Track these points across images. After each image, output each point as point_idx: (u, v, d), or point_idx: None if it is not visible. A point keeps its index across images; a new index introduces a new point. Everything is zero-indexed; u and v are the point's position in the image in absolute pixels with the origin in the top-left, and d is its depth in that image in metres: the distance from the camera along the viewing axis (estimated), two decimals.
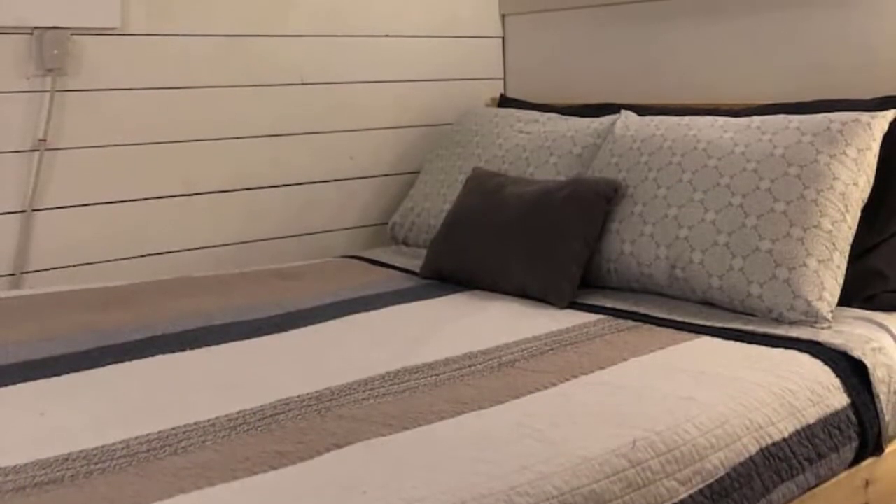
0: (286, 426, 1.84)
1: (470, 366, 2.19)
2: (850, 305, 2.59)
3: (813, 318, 2.42)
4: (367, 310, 2.71)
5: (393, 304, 2.79)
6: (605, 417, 1.88)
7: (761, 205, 2.57)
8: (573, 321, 2.57)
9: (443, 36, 4.10)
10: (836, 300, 2.48)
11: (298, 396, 2.00)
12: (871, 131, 2.67)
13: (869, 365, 2.24)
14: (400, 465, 1.65)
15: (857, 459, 2.25)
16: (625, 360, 2.23)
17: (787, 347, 2.28)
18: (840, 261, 2.50)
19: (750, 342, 2.34)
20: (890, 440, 2.32)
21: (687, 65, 3.62)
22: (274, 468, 1.65)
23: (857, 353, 2.26)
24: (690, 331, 2.44)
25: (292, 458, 1.69)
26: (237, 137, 3.55)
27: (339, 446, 1.74)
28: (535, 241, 2.84)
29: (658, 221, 2.74)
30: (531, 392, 2.03)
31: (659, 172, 2.84)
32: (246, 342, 2.42)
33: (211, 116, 3.49)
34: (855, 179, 2.59)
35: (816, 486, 2.13)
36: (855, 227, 2.57)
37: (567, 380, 2.10)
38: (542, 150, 3.37)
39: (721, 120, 2.94)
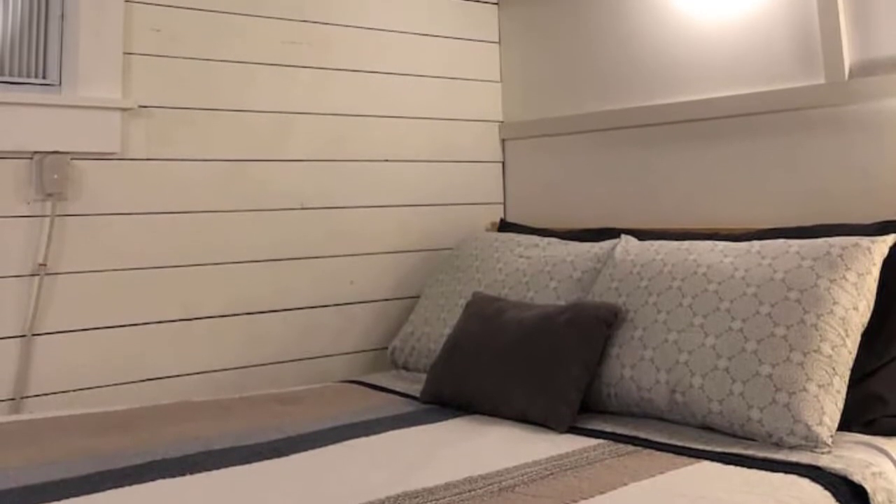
0: None
1: (470, 490, 2.24)
2: (850, 430, 2.64)
3: (813, 442, 2.47)
4: (366, 434, 2.76)
5: (393, 428, 2.84)
6: None
7: (761, 329, 2.65)
8: (573, 446, 2.62)
9: (443, 161, 4.24)
10: (836, 424, 2.52)
11: None
12: (871, 256, 2.75)
13: (869, 490, 2.29)
14: None
15: None
16: (625, 484, 2.28)
17: (787, 472, 2.33)
18: (840, 385, 2.56)
19: (750, 467, 2.38)
20: None
21: (686, 189, 3.72)
22: None
23: (857, 478, 2.31)
24: (690, 455, 2.49)
25: None
26: (237, 262, 3.66)
27: None
28: (536, 366, 2.91)
29: (658, 346, 2.82)
30: None
31: (659, 297, 2.94)
32: (246, 467, 2.46)
33: (211, 241, 3.59)
34: (855, 304, 2.67)
35: None
36: (855, 351, 2.64)
37: None
38: (542, 274, 3.47)
39: (721, 244, 3.03)
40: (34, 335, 3.21)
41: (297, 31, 3.85)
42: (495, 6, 4.52)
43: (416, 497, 2.20)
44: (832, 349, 2.58)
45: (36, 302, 3.20)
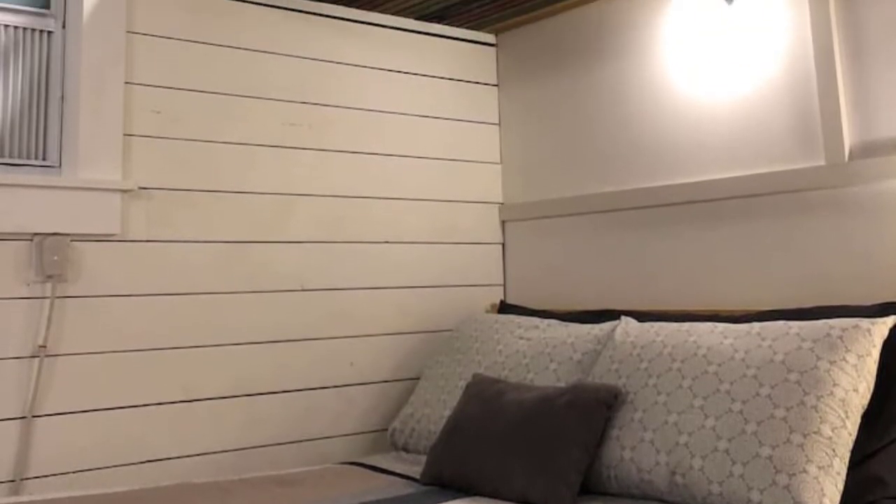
0: None
1: None
2: None
3: None
4: None
5: None
6: None
7: (761, 411, 2.68)
8: None
9: (443, 242, 4.31)
10: None
11: None
12: (871, 338, 2.79)
13: None
14: None
15: None
16: None
17: None
18: (840, 467, 2.59)
19: None
20: None
21: (686, 271, 3.77)
22: None
23: None
24: None
25: None
26: (237, 344, 3.70)
27: None
28: (536, 448, 2.94)
29: (658, 428, 2.86)
30: None
31: (659, 379, 2.98)
32: None
33: (211, 323, 3.65)
34: (855, 386, 2.70)
35: None
36: (855, 433, 2.67)
37: None
38: (542, 356, 3.52)
39: (721, 326, 3.07)
40: (34, 417, 3.25)
41: (298, 112, 3.94)
42: (495, 88, 4.63)
43: None
44: (832, 431, 2.61)
45: (36, 383, 3.25)
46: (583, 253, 4.19)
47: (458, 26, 4.49)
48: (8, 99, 3.42)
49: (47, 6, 3.53)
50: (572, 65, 4.30)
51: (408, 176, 4.26)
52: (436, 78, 4.41)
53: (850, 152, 3.31)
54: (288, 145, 3.90)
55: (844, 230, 3.30)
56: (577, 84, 4.27)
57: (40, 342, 3.27)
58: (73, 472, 3.31)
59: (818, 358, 2.75)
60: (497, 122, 4.61)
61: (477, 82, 4.56)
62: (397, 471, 3.42)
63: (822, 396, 2.66)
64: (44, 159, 3.47)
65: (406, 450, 3.75)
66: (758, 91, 3.59)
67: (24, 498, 3.03)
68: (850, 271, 3.27)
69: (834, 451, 2.59)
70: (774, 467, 2.58)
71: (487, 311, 4.33)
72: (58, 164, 3.47)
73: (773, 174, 3.49)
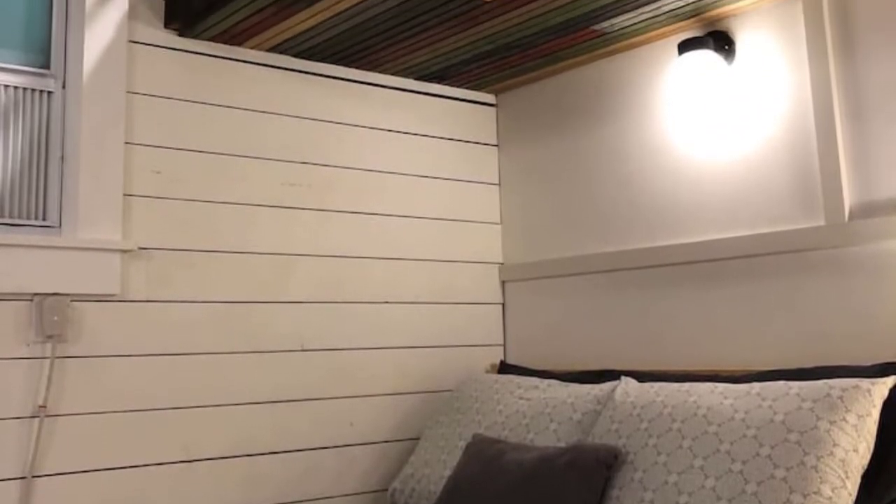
0: None
1: None
2: None
3: None
4: None
5: None
6: None
7: (761, 471, 2.71)
8: None
9: (443, 302, 4.36)
10: None
11: None
12: (871, 398, 2.82)
13: None
14: None
15: None
16: None
17: None
18: None
19: None
20: None
21: (686, 331, 3.81)
22: None
23: None
24: None
25: None
26: (237, 404, 3.74)
27: None
28: None
29: (658, 488, 2.89)
30: None
31: (659, 439, 3.01)
32: None
33: (211, 383, 3.68)
34: (855, 446, 2.73)
35: None
36: (855, 493, 2.68)
37: None
38: (542, 416, 3.54)
39: (721, 386, 3.10)
40: (34, 477, 3.28)
41: (298, 173, 4.01)
42: (495, 148, 4.70)
43: None
44: (832, 491, 2.64)
45: (36, 444, 3.28)
46: (583, 313, 4.23)
47: (457, 86, 4.57)
48: (8, 159, 3.48)
49: (47, 66, 3.60)
50: (572, 124, 4.36)
51: (407, 236, 4.31)
52: (436, 138, 4.48)
53: (850, 212, 3.35)
54: (287, 205, 3.96)
55: (844, 290, 3.34)
56: (577, 143, 4.34)
57: (40, 402, 3.30)
58: None
59: (818, 418, 2.78)
60: (497, 181, 4.68)
61: (477, 142, 4.63)
62: None
63: (822, 457, 2.69)
64: (44, 219, 3.52)
65: None
66: (758, 150, 3.64)
67: None
68: (851, 331, 3.30)
69: None
70: None
71: (487, 371, 4.36)
72: (58, 224, 3.52)
73: (773, 234, 3.54)
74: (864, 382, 2.87)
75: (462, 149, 4.58)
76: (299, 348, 3.92)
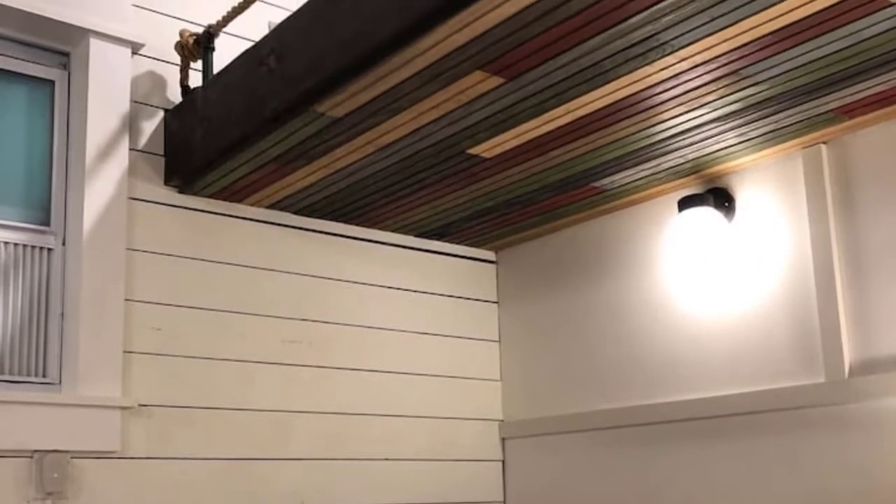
0: None
1: None
2: None
3: None
4: None
5: None
6: None
7: None
8: None
9: (443, 459, 4.41)
10: None
11: None
12: None
13: None
14: None
15: None
16: None
17: None
18: None
19: None
20: None
21: (687, 488, 3.86)
22: None
23: None
24: None
25: None
26: None
27: None
28: None
29: None
30: None
31: None
32: None
33: None
34: None
35: None
36: None
37: None
38: None
39: None
40: None
41: (298, 329, 4.10)
42: (495, 305, 4.80)
43: None
44: None
45: None
46: (584, 470, 4.27)
47: (458, 243, 4.69)
48: (8, 316, 3.58)
49: (47, 223, 3.72)
50: (572, 281, 4.47)
51: (408, 393, 4.38)
52: (436, 295, 4.59)
53: (850, 369, 3.43)
54: (287, 362, 4.05)
55: (845, 447, 3.40)
56: (577, 300, 4.44)
57: None
58: None
59: None
60: (497, 338, 4.77)
61: (477, 299, 4.74)
62: None
63: None
64: (44, 376, 3.61)
65: None
66: (758, 307, 3.73)
67: None
68: (851, 487, 3.37)
69: None
70: None
71: None
72: (58, 381, 3.61)
73: (774, 391, 3.62)
74: None
75: (462, 306, 4.68)
76: None
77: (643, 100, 3.26)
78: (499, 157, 3.68)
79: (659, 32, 2.82)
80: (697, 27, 2.80)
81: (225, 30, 3.83)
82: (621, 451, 4.15)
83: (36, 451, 3.42)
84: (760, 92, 3.22)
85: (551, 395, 4.51)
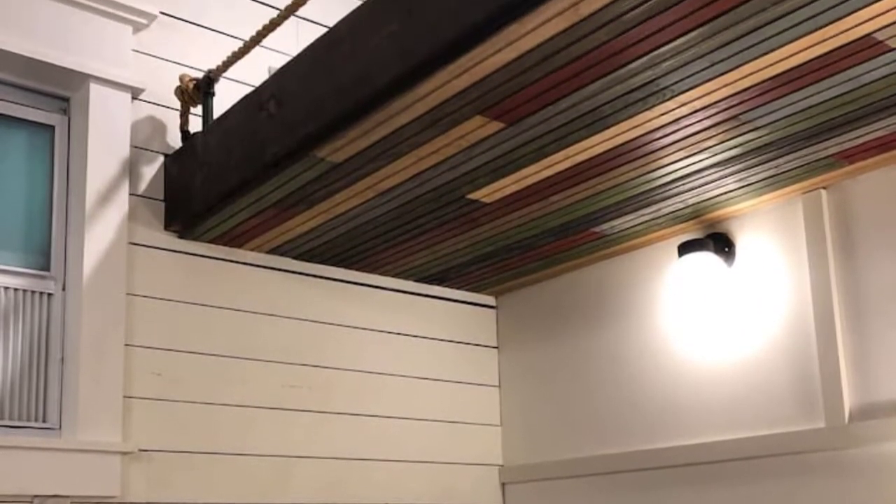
0: None
1: None
2: None
3: None
4: None
5: None
6: None
7: None
8: None
9: None
10: None
11: None
12: None
13: None
14: None
15: None
16: None
17: None
18: None
19: None
20: None
21: None
22: None
23: None
24: None
25: None
26: None
27: None
28: None
29: None
30: None
31: None
32: None
33: None
34: None
35: None
36: None
37: None
38: None
39: None
40: None
41: (298, 374, 4.09)
42: (495, 350, 4.79)
43: None
44: None
45: None
46: None
47: (457, 288, 4.68)
48: (8, 361, 3.56)
49: (47, 268, 3.71)
50: (572, 326, 4.46)
51: (408, 438, 4.37)
52: (436, 340, 4.58)
53: (850, 414, 3.43)
54: (287, 407, 4.03)
55: (845, 492, 3.40)
56: (577, 345, 4.43)
57: None
58: None
59: None
60: (497, 383, 4.76)
61: (477, 344, 4.73)
62: None
63: None
64: (44, 421, 3.59)
65: None
66: (758, 352, 3.73)
67: None
68: None
69: None
70: None
71: None
72: (58, 426, 3.59)
73: (774, 436, 3.61)
74: None
75: (462, 350, 4.67)
76: None
77: (643, 145, 3.26)
78: (499, 202, 3.67)
79: (659, 77, 2.83)
80: (697, 72, 2.80)
81: (225, 75, 3.82)
82: (622, 496, 4.14)
83: (36, 496, 3.40)
84: (760, 137, 3.22)
85: (551, 440, 4.49)
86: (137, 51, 3.91)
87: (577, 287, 4.49)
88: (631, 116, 3.06)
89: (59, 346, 3.67)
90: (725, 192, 3.66)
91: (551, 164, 3.38)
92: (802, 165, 3.44)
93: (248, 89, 3.61)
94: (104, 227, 3.72)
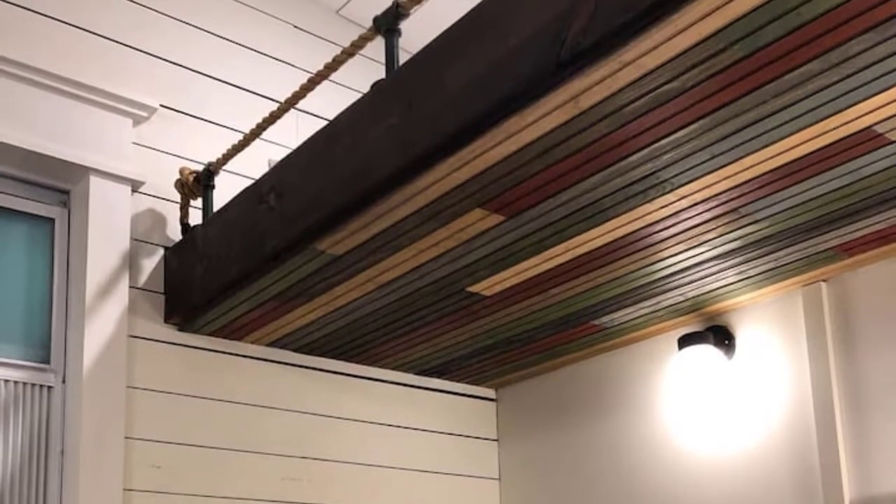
0: None
1: None
2: None
3: None
4: None
5: None
6: None
7: None
8: None
9: None
10: None
11: None
12: None
13: None
14: None
15: None
16: None
17: None
18: None
19: None
20: None
21: None
22: None
23: None
24: None
25: None
26: None
27: None
28: None
29: None
30: None
31: None
32: None
33: None
34: None
35: None
36: None
37: None
38: None
39: None
40: None
41: (298, 467, 4.04)
42: (495, 443, 4.74)
43: None
44: None
45: None
46: None
47: (457, 381, 4.64)
48: (8, 454, 3.51)
49: (47, 361, 3.67)
50: (573, 418, 4.43)
51: None
52: (436, 433, 4.54)
53: None
54: (287, 500, 3.97)
55: None
56: (577, 438, 4.39)
57: None
58: None
59: None
60: (497, 476, 4.71)
61: (477, 437, 4.68)
62: None
63: None
64: None
65: None
66: (758, 445, 3.70)
67: None
68: None
69: None
70: None
71: None
72: None
73: None
74: None
75: (462, 443, 4.62)
76: None
77: (643, 237, 3.23)
78: (499, 294, 3.64)
79: (659, 170, 2.80)
80: (698, 165, 2.78)
81: (225, 167, 3.79)
82: None
83: None
84: (760, 230, 3.19)
85: None
86: (137, 143, 3.89)
87: (578, 380, 4.45)
88: (631, 209, 3.04)
89: (59, 439, 3.62)
90: (725, 285, 3.64)
91: (551, 257, 3.35)
92: (802, 258, 3.42)
93: (248, 182, 3.61)
94: (104, 319, 3.68)
